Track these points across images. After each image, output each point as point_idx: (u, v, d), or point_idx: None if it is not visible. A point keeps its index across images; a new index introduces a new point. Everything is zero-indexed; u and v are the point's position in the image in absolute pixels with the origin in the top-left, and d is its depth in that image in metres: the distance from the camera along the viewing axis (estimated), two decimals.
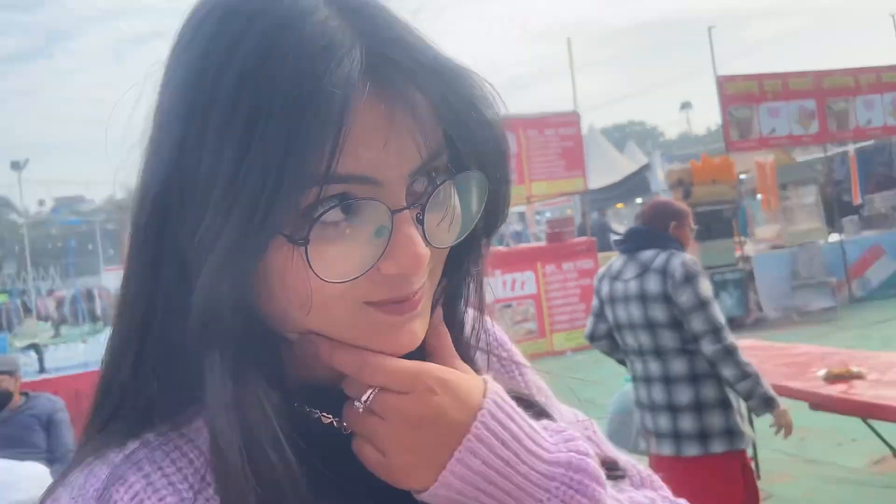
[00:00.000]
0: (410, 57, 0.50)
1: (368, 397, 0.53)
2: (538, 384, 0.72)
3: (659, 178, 15.79)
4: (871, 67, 12.47)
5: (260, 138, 0.46)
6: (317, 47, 0.47)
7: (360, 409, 0.53)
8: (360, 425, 0.54)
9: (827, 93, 11.87)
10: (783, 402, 3.21)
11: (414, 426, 0.52)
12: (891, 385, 3.53)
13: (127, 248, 0.55)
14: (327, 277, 0.49)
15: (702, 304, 3.12)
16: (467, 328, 0.65)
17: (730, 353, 3.09)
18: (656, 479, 0.71)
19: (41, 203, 64.78)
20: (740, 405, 3.30)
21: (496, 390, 0.55)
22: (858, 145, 14.41)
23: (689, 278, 3.14)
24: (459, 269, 0.61)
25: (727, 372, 3.10)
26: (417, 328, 0.54)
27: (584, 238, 11.33)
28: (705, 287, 3.16)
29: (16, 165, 37.87)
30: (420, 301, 0.54)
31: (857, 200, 13.46)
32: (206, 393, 0.50)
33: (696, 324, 3.12)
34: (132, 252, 0.54)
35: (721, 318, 3.16)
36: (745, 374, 3.08)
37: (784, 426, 3.22)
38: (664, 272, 3.20)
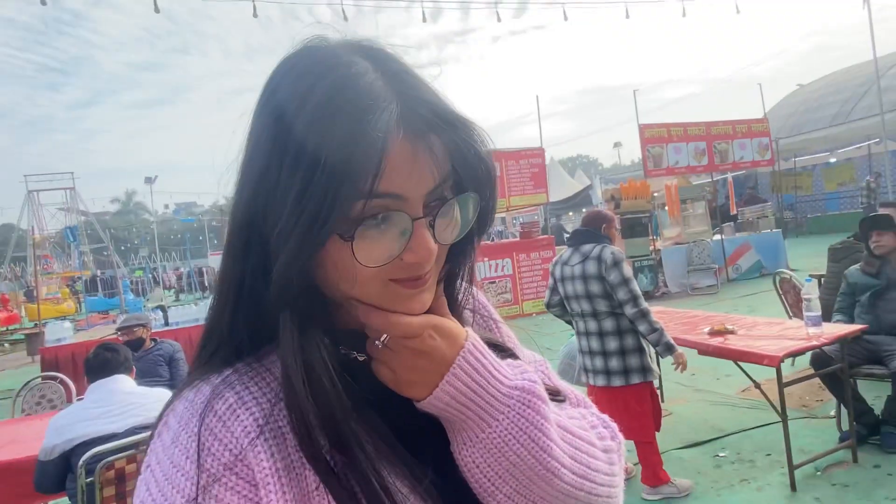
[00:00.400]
0: (430, 110, 0.50)
1: (385, 338, 0.53)
2: (509, 334, 0.71)
3: (598, 195, 15.72)
4: (744, 120, 12.34)
5: (324, 165, 0.45)
6: (366, 101, 0.46)
7: (379, 346, 0.53)
8: (380, 355, 0.53)
9: (714, 137, 11.75)
10: (681, 349, 3.24)
11: (416, 357, 0.52)
12: (753, 338, 3.55)
13: (226, 237, 0.54)
14: (367, 263, 0.48)
15: (625, 281, 3.15)
16: (461, 296, 0.63)
17: (644, 314, 3.12)
18: (589, 401, 0.70)
19: (166, 206, 64.10)
20: (651, 351, 3.33)
21: (474, 337, 0.55)
22: (734, 174, 14.35)
23: (616, 263, 3.17)
24: (458, 257, 0.60)
25: (642, 327, 3.13)
26: (426, 298, 0.53)
27: (545, 236, 11.23)
28: (627, 269, 3.20)
29: (148, 180, 37.48)
30: (429, 279, 0.53)
31: (733, 211, 13.40)
32: (279, 339, 0.50)
33: (621, 294, 3.15)
34: (230, 239, 0.53)
35: (638, 290, 3.18)
36: (654, 329, 3.11)
37: (681, 364, 3.25)
38: (599, 259, 3.22)
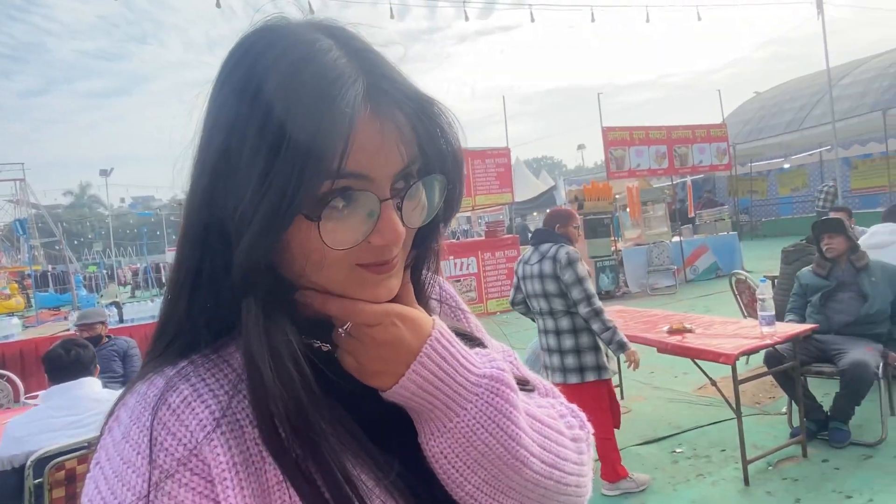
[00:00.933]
0: (397, 89, 0.49)
1: (347, 326, 0.51)
2: (477, 324, 0.70)
3: (562, 196, 15.96)
4: (703, 125, 12.63)
5: (289, 142, 0.44)
6: (331, 77, 0.45)
7: (343, 335, 0.52)
8: (344, 344, 0.52)
9: (674, 141, 12.02)
10: (634, 346, 3.28)
11: (379, 346, 0.51)
12: (710, 336, 3.65)
13: (182, 223, 0.52)
14: (333, 246, 0.47)
15: (578, 280, 3.21)
16: (427, 285, 0.62)
17: (597, 313, 3.19)
18: (557, 392, 0.69)
19: (122, 200, 62.15)
20: (606, 349, 3.39)
21: (441, 325, 0.54)
22: (693, 177, 14.73)
23: (570, 262, 3.24)
24: (424, 243, 0.58)
25: (595, 326, 3.20)
26: (393, 284, 0.52)
27: (510, 235, 11.29)
28: (581, 269, 3.25)
29: (104, 172, 36.19)
30: (396, 265, 0.52)
31: (692, 214, 13.73)
32: (242, 325, 0.48)
33: (575, 293, 3.21)
34: (186, 225, 0.51)
35: (592, 289, 3.24)
36: (607, 327, 3.18)
37: (633, 362, 3.30)
38: (554, 259, 3.29)
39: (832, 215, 4.77)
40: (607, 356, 3.35)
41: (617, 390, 4.81)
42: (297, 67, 0.45)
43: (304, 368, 0.49)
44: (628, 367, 3.32)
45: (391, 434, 0.54)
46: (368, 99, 0.46)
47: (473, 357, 0.55)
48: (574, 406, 0.67)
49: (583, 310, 3.19)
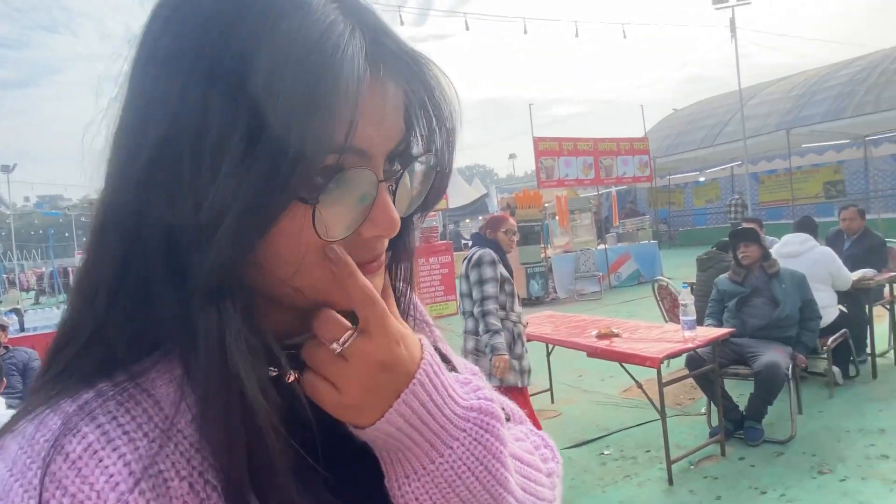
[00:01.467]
0: (398, 47, 0.41)
1: (347, 340, 0.41)
2: (442, 339, 0.62)
3: (494, 204, 16.23)
4: (626, 138, 13.23)
5: (279, 104, 0.34)
6: (323, 24, 0.36)
7: (337, 349, 0.41)
8: (324, 365, 0.41)
9: (600, 153, 12.49)
10: (506, 355, 3.22)
11: (376, 370, 0.41)
12: (635, 341, 3.75)
13: (98, 208, 0.40)
14: (325, 237, 0.38)
15: (479, 281, 3.31)
16: (403, 297, 0.54)
17: (484, 314, 3.28)
18: (524, 415, 0.62)
19: (26, 199, 57.91)
20: (527, 362, 3.39)
21: (428, 345, 0.46)
22: (617, 188, 15.33)
23: (478, 264, 3.34)
24: (398, 241, 0.49)
25: (481, 328, 3.29)
26: (377, 283, 0.44)
27: (444, 241, 11.34)
28: (485, 272, 3.32)
29: (5, 168, 33.48)
30: (383, 262, 0.45)
31: (616, 223, 14.28)
32: (204, 339, 0.37)
33: (474, 293, 3.33)
34: (107, 211, 0.40)
35: (490, 292, 3.29)
36: (489, 330, 3.26)
37: (497, 368, 3.21)
38: (469, 260, 3.42)
39: (745, 225, 5.04)
40: (521, 366, 3.35)
41: (547, 394, 4.89)
42: (280, 6, 0.36)
43: (301, 396, 0.41)
44: (493, 372, 3.22)
45: (342, 471, 0.45)
46: (372, 55, 0.38)
47: (458, 386, 0.47)
48: (544, 434, 0.62)
49: (475, 310, 3.29)
